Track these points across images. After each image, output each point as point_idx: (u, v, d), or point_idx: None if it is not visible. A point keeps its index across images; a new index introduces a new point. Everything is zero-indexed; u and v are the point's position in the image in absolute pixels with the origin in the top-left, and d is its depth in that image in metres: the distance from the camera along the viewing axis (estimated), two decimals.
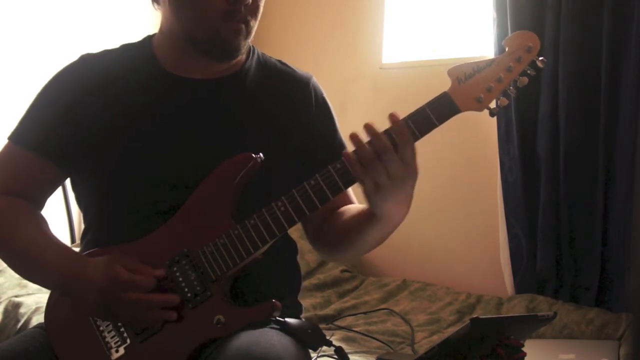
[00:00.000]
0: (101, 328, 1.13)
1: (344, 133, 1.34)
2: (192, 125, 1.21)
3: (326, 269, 2.76)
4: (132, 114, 1.21)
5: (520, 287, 2.48)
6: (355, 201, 1.29)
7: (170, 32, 1.23)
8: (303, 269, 1.58)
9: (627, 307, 2.21)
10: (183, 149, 1.20)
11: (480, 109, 1.07)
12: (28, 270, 1.22)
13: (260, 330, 1.09)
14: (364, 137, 1.04)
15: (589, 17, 2.27)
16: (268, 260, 1.14)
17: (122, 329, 1.12)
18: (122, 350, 1.11)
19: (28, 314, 2.03)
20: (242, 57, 1.26)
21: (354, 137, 1.04)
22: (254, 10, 1.18)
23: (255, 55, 1.31)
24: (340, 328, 2.25)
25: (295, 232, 1.21)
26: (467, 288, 2.63)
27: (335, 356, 1.22)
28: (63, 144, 1.21)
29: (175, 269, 1.12)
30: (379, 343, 2.09)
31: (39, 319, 1.94)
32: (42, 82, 1.27)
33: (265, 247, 1.10)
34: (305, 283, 2.52)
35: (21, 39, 2.53)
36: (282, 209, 1.08)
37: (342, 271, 2.77)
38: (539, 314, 1.35)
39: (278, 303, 1.09)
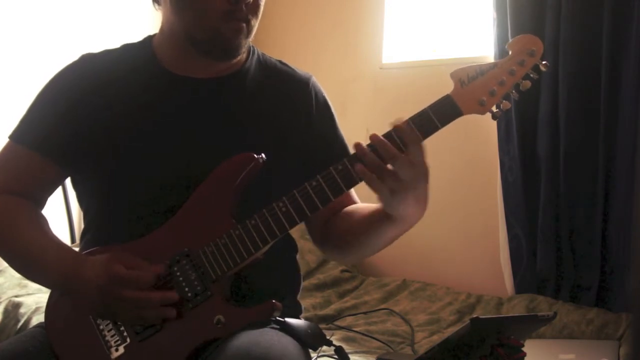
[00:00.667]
0: (101, 327, 1.13)
1: (344, 133, 1.34)
2: (193, 125, 1.21)
3: (326, 269, 2.76)
4: (133, 114, 1.21)
5: (520, 287, 2.48)
6: (358, 201, 1.29)
7: (170, 31, 1.23)
8: (303, 269, 1.58)
9: (627, 307, 2.21)
10: (183, 148, 1.20)
11: (482, 112, 1.06)
12: (28, 269, 1.22)
13: (261, 330, 1.09)
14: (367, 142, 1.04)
15: (589, 17, 2.27)
16: (268, 260, 1.14)
17: (122, 328, 1.12)
18: (122, 350, 1.11)
19: (28, 314, 2.03)
20: (242, 56, 1.26)
21: (358, 147, 1.03)
22: (254, 9, 1.18)
23: (256, 55, 1.31)
24: (340, 328, 2.25)
25: (296, 232, 1.21)
26: (467, 288, 2.63)
27: (335, 356, 1.22)
28: (64, 144, 1.21)
29: (175, 268, 1.12)
30: (379, 343, 2.09)
31: (39, 319, 1.94)
32: (43, 82, 1.27)
33: (266, 248, 1.10)
34: (305, 283, 2.52)
35: (22, 38, 2.53)
36: (284, 209, 1.08)
37: (342, 271, 2.77)
38: (539, 314, 1.35)
39: (278, 303, 1.09)
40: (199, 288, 1.10)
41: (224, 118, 1.23)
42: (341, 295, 2.62)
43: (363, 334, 2.16)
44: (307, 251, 2.71)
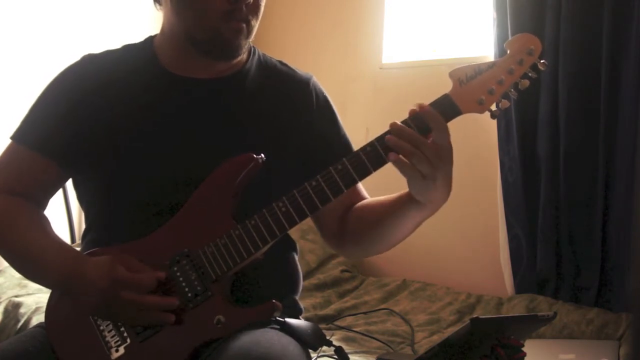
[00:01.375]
0: (101, 327, 1.13)
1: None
2: (193, 125, 1.22)
3: (326, 269, 2.76)
4: (134, 114, 1.21)
5: (520, 287, 2.48)
6: (368, 196, 1.29)
7: (171, 32, 1.23)
8: (303, 269, 1.58)
9: (627, 307, 2.21)
10: (184, 148, 1.20)
11: (481, 111, 1.07)
12: (29, 269, 1.22)
13: (261, 330, 1.09)
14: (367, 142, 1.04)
15: (589, 17, 2.27)
16: (268, 260, 1.14)
17: (122, 329, 1.12)
18: (122, 350, 1.11)
19: (28, 314, 2.03)
20: (242, 57, 1.26)
21: (390, 138, 1.03)
22: (255, 9, 1.18)
23: (256, 56, 1.31)
24: (340, 328, 2.25)
25: (296, 232, 1.21)
26: (467, 288, 2.63)
27: (335, 356, 1.22)
28: (65, 144, 1.21)
29: (175, 268, 1.12)
30: (379, 343, 2.09)
31: (39, 319, 1.94)
32: (45, 83, 1.27)
33: (266, 248, 1.10)
34: (305, 283, 2.52)
35: (23, 39, 2.53)
36: (283, 209, 1.08)
37: (342, 271, 2.77)
38: (539, 314, 1.35)
39: (278, 303, 1.09)
40: (199, 288, 1.10)
41: (224, 118, 1.23)
42: (341, 295, 2.62)
43: (363, 334, 2.16)
44: (307, 251, 2.71)
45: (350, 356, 1.25)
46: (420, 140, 1.02)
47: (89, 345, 1.13)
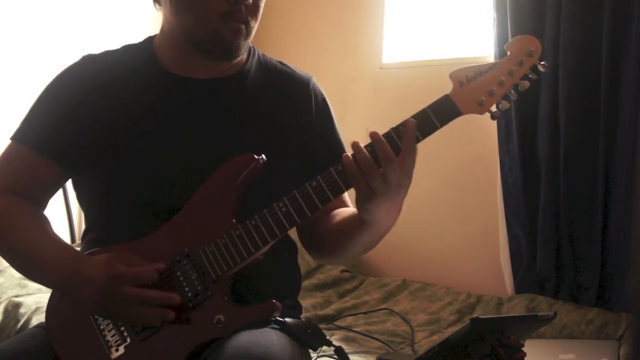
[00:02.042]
0: (101, 327, 1.13)
1: (344, 133, 1.34)
2: (193, 125, 1.22)
3: (326, 269, 2.76)
4: (134, 114, 1.21)
5: (520, 287, 2.48)
6: (351, 205, 1.29)
7: (171, 32, 1.24)
8: (303, 269, 1.58)
9: (627, 307, 2.21)
10: (184, 148, 1.21)
11: (481, 112, 1.07)
12: (29, 269, 1.22)
13: (261, 330, 1.09)
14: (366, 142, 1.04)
15: (589, 17, 2.27)
16: (268, 260, 1.14)
17: (122, 328, 1.12)
18: (122, 350, 1.11)
19: (28, 314, 2.03)
20: (242, 57, 1.27)
21: (355, 145, 1.04)
22: (254, 10, 1.18)
23: (256, 56, 1.31)
24: (340, 328, 2.26)
25: (296, 232, 1.21)
26: (467, 288, 2.63)
27: (335, 356, 1.22)
28: (65, 144, 1.21)
29: (176, 268, 1.12)
30: (379, 343, 2.09)
31: (39, 319, 1.94)
32: (44, 83, 1.27)
33: (266, 247, 1.10)
34: (305, 283, 2.52)
35: (23, 39, 2.53)
36: (284, 209, 1.08)
37: (342, 271, 2.77)
38: (539, 314, 1.35)
39: (278, 303, 1.10)
40: (199, 288, 1.10)
41: (225, 118, 1.23)
42: (341, 295, 2.62)
43: (363, 334, 2.16)
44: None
45: (350, 356, 1.25)
46: (388, 156, 1.01)
47: (89, 344, 1.13)
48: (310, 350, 1.20)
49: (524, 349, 1.20)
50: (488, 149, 2.62)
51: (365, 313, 2.41)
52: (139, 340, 1.11)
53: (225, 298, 1.11)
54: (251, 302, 1.14)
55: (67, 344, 1.15)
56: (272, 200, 1.09)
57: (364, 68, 3.09)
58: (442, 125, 1.06)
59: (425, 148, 1.08)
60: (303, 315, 1.32)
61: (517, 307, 2.33)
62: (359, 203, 1.06)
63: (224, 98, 1.25)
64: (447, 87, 1.08)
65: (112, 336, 1.12)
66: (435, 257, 2.85)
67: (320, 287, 2.63)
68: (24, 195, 1.23)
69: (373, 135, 1.04)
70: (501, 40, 2.43)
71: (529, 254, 2.46)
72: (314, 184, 1.07)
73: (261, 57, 1.33)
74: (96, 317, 1.14)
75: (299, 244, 1.34)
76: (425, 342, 2.13)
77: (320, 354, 1.63)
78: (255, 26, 1.20)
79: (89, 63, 1.27)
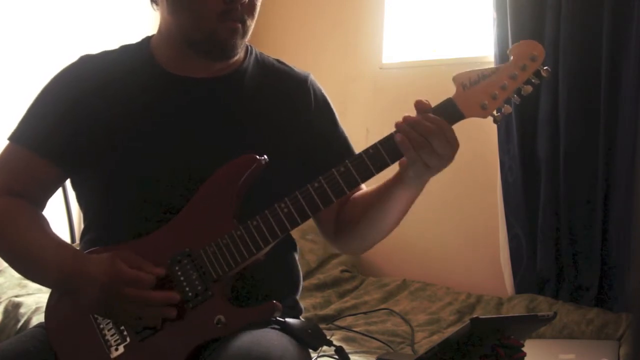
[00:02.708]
0: (101, 326, 1.13)
1: None
2: (192, 125, 1.22)
3: (326, 269, 2.76)
4: (132, 114, 1.21)
5: (520, 287, 2.48)
6: (364, 186, 1.29)
7: (168, 32, 1.24)
8: (303, 269, 1.58)
9: (627, 307, 2.21)
10: (183, 148, 1.20)
11: (484, 116, 1.07)
12: (29, 269, 1.22)
13: (261, 330, 1.10)
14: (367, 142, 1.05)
15: (589, 17, 2.27)
16: (269, 260, 1.14)
17: (122, 328, 1.12)
18: (122, 349, 1.11)
19: (28, 314, 2.03)
20: (240, 56, 1.27)
21: (400, 125, 1.05)
22: (250, 9, 1.18)
23: (253, 55, 1.31)
24: (340, 328, 2.25)
25: (296, 232, 1.21)
26: (467, 288, 2.63)
27: (336, 356, 1.22)
28: (63, 144, 1.21)
29: (176, 268, 1.12)
30: (379, 343, 2.09)
31: (39, 318, 1.94)
32: (42, 83, 1.27)
33: (268, 248, 1.10)
34: (305, 283, 2.51)
35: (21, 40, 2.53)
36: (285, 210, 1.08)
37: (342, 271, 2.77)
38: (539, 314, 1.35)
39: (279, 304, 1.09)
40: (199, 288, 1.10)
41: (223, 117, 1.23)
42: (341, 295, 2.62)
43: (363, 334, 2.16)
44: (307, 251, 2.71)
45: (350, 356, 1.25)
46: (434, 130, 1.04)
47: (89, 344, 1.13)
48: (311, 350, 1.20)
49: (524, 349, 1.20)
50: (488, 149, 2.62)
51: (365, 313, 2.41)
52: (138, 340, 1.11)
53: (226, 298, 1.11)
54: (251, 302, 1.14)
55: (67, 343, 1.15)
56: (273, 201, 1.09)
57: (364, 68, 3.09)
58: None
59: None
60: (303, 315, 1.32)
61: (517, 307, 2.33)
62: (411, 172, 1.09)
63: (223, 97, 1.25)
64: (447, 87, 1.08)
65: (112, 336, 1.12)
66: (435, 257, 2.85)
67: (320, 287, 2.63)
68: (23, 196, 1.23)
69: (407, 118, 1.05)
70: (501, 41, 2.43)
71: (529, 254, 2.46)
72: (316, 184, 1.07)
73: (258, 56, 1.32)
74: (96, 316, 1.14)
75: (299, 244, 1.34)
76: (425, 342, 2.13)
77: (320, 354, 1.62)
78: (252, 25, 1.20)
79: (86, 63, 1.27)
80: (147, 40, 1.30)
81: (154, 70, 1.25)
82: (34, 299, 2.11)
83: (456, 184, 2.79)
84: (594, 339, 2.09)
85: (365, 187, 1.29)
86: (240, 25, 1.17)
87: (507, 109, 1.08)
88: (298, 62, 1.41)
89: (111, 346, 1.12)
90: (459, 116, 1.06)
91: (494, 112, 1.08)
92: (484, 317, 1.18)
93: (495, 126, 2.49)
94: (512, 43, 2.33)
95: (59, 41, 2.59)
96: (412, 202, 1.18)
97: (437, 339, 2.08)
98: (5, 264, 1.23)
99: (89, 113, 1.21)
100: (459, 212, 2.80)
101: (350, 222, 1.25)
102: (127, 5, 2.85)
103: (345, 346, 1.46)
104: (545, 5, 2.37)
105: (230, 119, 1.24)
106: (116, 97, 1.22)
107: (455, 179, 2.79)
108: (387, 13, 3.05)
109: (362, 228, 1.24)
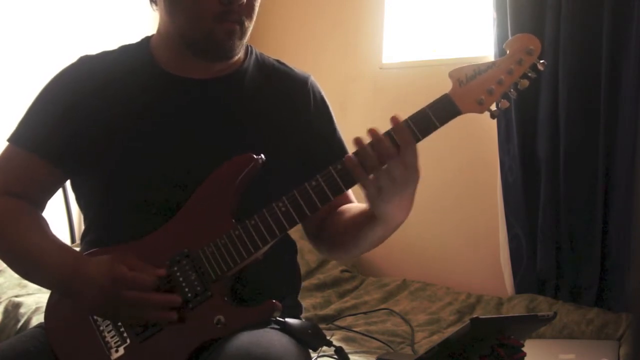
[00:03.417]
0: (101, 328, 1.13)
1: (344, 133, 1.34)
2: (191, 125, 1.21)
3: (326, 269, 2.77)
4: (131, 114, 1.21)
5: (520, 287, 2.48)
6: (355, 200, 1.29)
7: (167, 32, 1.23)
8: (303, 269, 1.58)
9: (627, 307, 2.21)
10: (182, 148, 1.20)
11: (481, 111, 1.07)
12: (28, 271, 1.22)
13: (261, 330, 1.09)
14: (367, 140, 1.04)
15: (589, 17, 2.27)
16: (268, 260, 1.14)
17: (122, 329, 1.12)
18: (122, 350, 1.11)
19: (28, 314, 2.03)
20: (240, 56, 1.26)
21: (357, 141, 1.04)
22: (248, 10, 1.18)
23: (254, 55, 1.31)
24: (340, 328, 2.25)
25: (296, 232, 1.21)
26: (467, 288, 2.63)
27: (336, 356, 1.22)
28: (63, 145, 1.21)
29: (175, 268, 1.12)
30: (379, 343, 2.09)
31: (39, 319, 1.94)
32: (42, 84, 1.27)
33: (266, 248, 1.10)
34: (305, 283, 2.52)
35: (20, 40, 2.53)
36: (283, 209, 1.08)
37: (342, 271, 2.77)
38: (539, 314, 1.35)
39: (278, 304, 1.09)
40: (199, 288, 1.10)
41: (223, 118, 1.23)
42: (341, 295, 2.62)
43: (363, 334, 2.16)
44: (307, 251, 2.71)
45: (350, 356, 1.25)
46: (388, 152, 1.02)
47: (89, 345, 1.13)
48: (311, 350, 1.19)
49: (524, 349, 1.19)
50: (488, 149, 2.62)
51: (365, 313, 2.41)
52: (139, 341, 1.11)
53: (225, 298, 1.11)
54: (251, 302, 1.14)
55: (67, 344, 1.15)
56: (272, 200, 1.09)
57: (364, 68, 3.09)
58: (441, 125, 1.06)
59: (426, 148, 1.08)
60: (303, 315, 1.32)
61: (517, 307, 2.33)
62: (368, 200, 1.07)
63: (223, 98, 1.25)
64: (447, 87, 1.08)
65: (112, 337, 1.12)
66: (435, 257, 2.85)
67: (320, 287, 2.63)
68: (23, 197, 1.22)
69: (371, 132, 1.04)
70: (501, 40, 2.43)
71: (529, 254, 2.46)
72: (314, 183, 1.07)
73: (259, 56, 1.32)
74: (96, 317, 1.14)
75: (299, 244, 1.34)
76: (425, 342, 2.13)
77: (320, 354, 1.63)
78: (250, 26, 1.20)
79: (86, 64, 1.27)
80: (147, 40, 1.30)
81: (154, 70, 1.25)
82: (34, 299, 2.10)
83: (456, 184, 2.79)
84: (594, 339, 2.09)
85: (353, 199, 1.29)
86: (237, 27, 1.17)
87: (504, 103, 1.07)
88: (298, 62, 1.41)
89: (111, 348, 1.12)
90: (455, 112, 1.06)
91: (491, 107, 1.07)
92: (484, 317, 1.17)
93: (495, 126, 2.52)
94: None
95: (59, 41, 2.59)
96: (380, 235, 1.14)
97: (437, 339, 2.08)
98: (5, 264, 1.23)
99: (89, 114, 1.21)
100: (459, 212, 2.80)
101: (330, 237, 1.26)
102: (127, 5, 2.85)
103: (345, 346, 1.46)
104: (545, 5, 2.37)
105: (230, 120, 1.24)
106: (116, 98, 1.22)
107: (456, 179, 2.80)
108: (387, 13, 3.05)
109: (338, 245, 1.24)
